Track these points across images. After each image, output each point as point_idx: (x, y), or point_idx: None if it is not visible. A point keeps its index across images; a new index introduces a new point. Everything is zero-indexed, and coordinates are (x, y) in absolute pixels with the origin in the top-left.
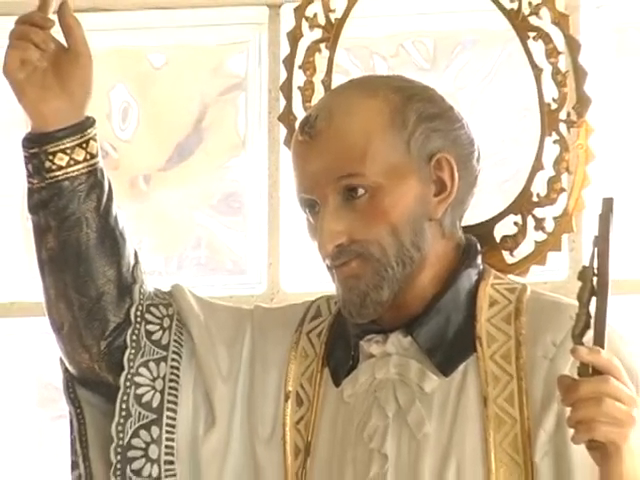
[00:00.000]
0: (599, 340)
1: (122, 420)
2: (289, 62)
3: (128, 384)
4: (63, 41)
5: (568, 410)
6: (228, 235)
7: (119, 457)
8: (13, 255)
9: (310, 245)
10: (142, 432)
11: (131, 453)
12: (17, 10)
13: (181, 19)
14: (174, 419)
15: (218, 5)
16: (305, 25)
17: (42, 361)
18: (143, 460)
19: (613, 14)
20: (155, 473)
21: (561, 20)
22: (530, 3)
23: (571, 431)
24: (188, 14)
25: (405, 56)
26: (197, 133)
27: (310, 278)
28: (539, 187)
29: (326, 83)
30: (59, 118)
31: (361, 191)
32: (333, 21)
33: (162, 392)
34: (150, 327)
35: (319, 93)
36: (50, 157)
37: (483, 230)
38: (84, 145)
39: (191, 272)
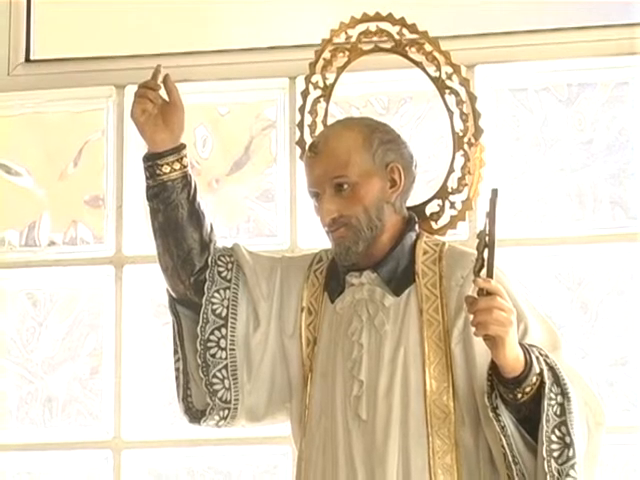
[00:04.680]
0: (490, 274)
1: (204, 324)
2: (301, 110)
3: (207, 303)
4: (166, 98)
5: (471, 316)
6: (266, 214)
7: (202, 346)
8: (142, 227)
9: (315, 221)
10: (216, 331)
11: (209, 344)
12: (140, 80)
13: (237, 85)
14: (235, 323)
15: (259, 77)
16: (311, 87)
17: (156, 290)
18: (216, 348)
19: (494, 81)
20: (224, 356)
21: (464, 83)
22: (446, 72)
23: (473, 329)
24: (241, 82)
25: (370, 106)
26: (247, 153)
27: (315, 240)
28: (452, 183)
29: (324, 122)
30: (165, 144)
31: (346, 186)
32: (328, 85)
33: (227, 307)
34: (220, 269)
35: (320, 128)
36: (159, 167)
37: (419, 209)
38: (179, 160)
39: (244, 236)
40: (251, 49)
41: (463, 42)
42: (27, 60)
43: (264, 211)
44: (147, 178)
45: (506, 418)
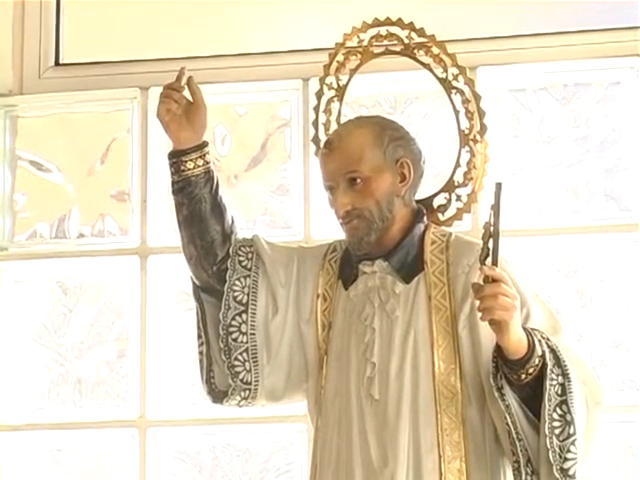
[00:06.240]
0: (494, 263)
1: (226, 310)
2: (316, 109)
3: (229, 290)
4: (190, 98)
5: (477, 302)
6: (281, 207)
7: (224, 331)
8: (165, 220)
9: (327, 213)
10: (237, 317)
11: (231, 329)
12: (163, 82)
13: (253, 87)
14: (255, 309)
15: (275, 79)
16: (325, 88)
17: (178, 278)
18: (238, 333)
19: (495, 81)
20: (245, 339)
21: (469, 83)
22: (453, 73)
23: (480, 314)
24: (258, 84)
25: (379, 106)
26: (263, 150)
27: (327, 231)
28: (458, 177)
29: (337, 121)
30: (188, 142)
31: (358, 180)
32: (341, 86)
33: (248, 294)
34: (240, 258)
35: (333, 126)
36: (183, 163)
37: (427, 202)
38: (202, 156)
39: (261, 228)
40: (267, 53)
41: (466, 45)
42: (57, 64)
43: (279, 204)
44: (172, 174)
45: (510, 397)
